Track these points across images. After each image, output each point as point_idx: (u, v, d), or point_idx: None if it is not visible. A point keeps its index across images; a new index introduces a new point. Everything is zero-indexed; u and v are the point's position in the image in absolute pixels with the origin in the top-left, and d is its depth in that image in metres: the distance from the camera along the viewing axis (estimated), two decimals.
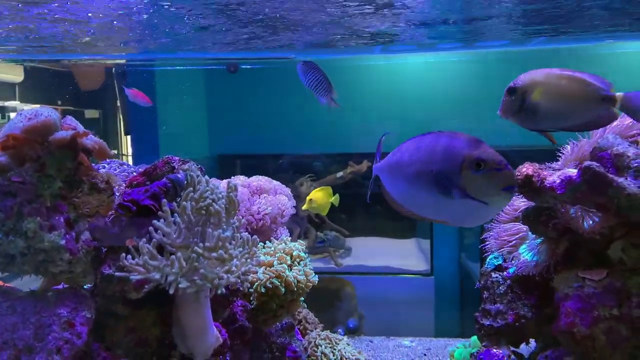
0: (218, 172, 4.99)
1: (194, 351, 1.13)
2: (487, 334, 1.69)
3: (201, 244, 1.00)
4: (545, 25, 2.86)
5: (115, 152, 5.58)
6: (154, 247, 1.01)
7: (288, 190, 1.68)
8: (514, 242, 1.79)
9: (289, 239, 1.78)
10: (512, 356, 1.63)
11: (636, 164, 1.38)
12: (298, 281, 1.31)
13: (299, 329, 2.14)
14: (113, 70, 5.20)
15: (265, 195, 1.54)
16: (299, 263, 1.34)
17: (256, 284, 1.26)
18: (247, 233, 1.15)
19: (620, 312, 1.40)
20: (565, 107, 1.34)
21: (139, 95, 3.66)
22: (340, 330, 2.63)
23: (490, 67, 4.14)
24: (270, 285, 1.24)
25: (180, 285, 0.97)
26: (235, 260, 1.07)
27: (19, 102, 6.22)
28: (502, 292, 1.72)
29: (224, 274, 1.03)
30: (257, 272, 1.27)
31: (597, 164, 1.42)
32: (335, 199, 2.70)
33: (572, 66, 1.41)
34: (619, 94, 1.32)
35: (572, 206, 1.52)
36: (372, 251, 4.37)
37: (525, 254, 1.71)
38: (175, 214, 1.05)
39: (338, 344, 1.98)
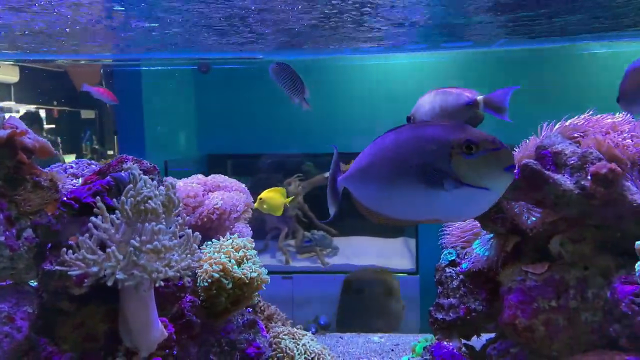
0: (207, 171, 5.04)
1: (138, 345, 1.17)
2: (440, 327, 1.75)
3: (138, 238, 1.05)
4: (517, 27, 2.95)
5: (112, 152, 5.63)
6: (96, 243, 1.06)
7: (244, 187, 1.73)
8: (467, 237, 1.84)
9: (250, 238, 1.84)
10: (463, 348, 1.68)
11: (572, 162, 1.44)
12: (249, 277, 1.36)
13: (264, 325, 2.19)
14: (101, 71, 5.25)
15: (221, 192, 1.59)
16: (247, 260, 1.38)
17: (199, 277, 1.31)
18: (189, 230, 1.20)
19: (559, 303, 1.46)
20: (442, 115, 1.47)
21: (104, 93, 3.69)
22: (312, 326, 2.69)
23: (466, 67, 4.24)
24: (211, 280, 1.29)
25: (117, 277, 1.02)
26: (175, 255, 1.12)
27: (14, 103, 6.26)
28: (455, 286, 1.77)
29: (162, 267, 1.08)
30: (202, 267, 1.32)
31: (535, 162, 1.48)
32: (288, 201, 2.66)
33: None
34: (479, 98, 1.43)
35: (516, 203, 1.58)
36: (359, 250, 4.42)
37: (478, 250, 1.76)
38: (117, 211, 1.10)
39: (302, 339, 2.02)
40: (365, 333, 2.63)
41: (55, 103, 6.34)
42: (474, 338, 1.79)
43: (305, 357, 1.92)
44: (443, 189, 1.12)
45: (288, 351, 1.93)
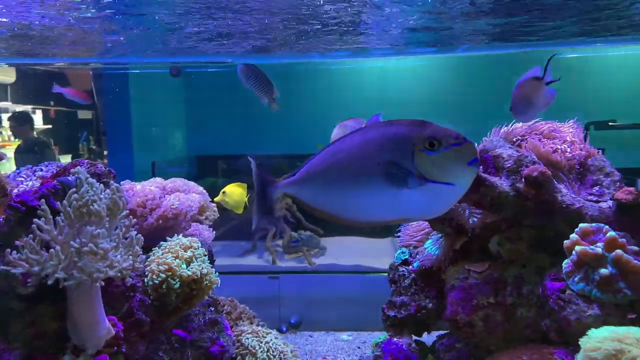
0: (196, 172, 5.12)
1: (85, 343, 1.23)
2: (392, 324, 1.81)
3: (78, 240, 1.11)
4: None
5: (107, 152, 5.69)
6: (39, 244, 1.12)
7: (202, 190, 1.79)
8: (420, 237, 1.91)
9: (195, 238, 1.90)
10: (413, 344, 1.75)
11: (508, 165, 1.51)
12: (199, 275, 1.41)
13: (229, 324, 2.25)
14: (91, 73, 5.32)
15: (177, 193, 1.65)
16: (196, 259, 1.44)
17: (147, 277, 1.37)
18: (135, 232, 1.26)
19: (497, 300, 1.52)
20: None
21: (76, 94, 3.75)
22: (283, 325, 2.75)
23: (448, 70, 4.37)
24: (159, 280, 1.35)
25: (57, 276, 1.08)
26: (118, 256, 1.19)
27: (10, 103, 6.30)
28: (407, 285, 1.84)
29: (104, 268, 1.14)
30: (150, 267, 1.38)
31: None
32: (248, 199, 2.66)
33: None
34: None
35: (459, 204, 1.65)
36: (346, 250, 4.48)
37: (429, 249, 1.83)
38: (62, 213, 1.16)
39: (266, 337, 2.09)
40: (335, 331, 2.70)
41: (52, 103, 6.37)
42: (426, 334, 1.85)
43: (267, 355, 1.99)
44: (407, 186, 1.11)
45: (250, 349, 2.00)
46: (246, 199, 2.62)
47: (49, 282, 1.09)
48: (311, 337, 2.64)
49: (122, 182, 1.60)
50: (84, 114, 6.52)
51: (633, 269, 1.27)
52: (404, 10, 2.35)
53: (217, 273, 1.53)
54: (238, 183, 2.60)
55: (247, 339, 2.04)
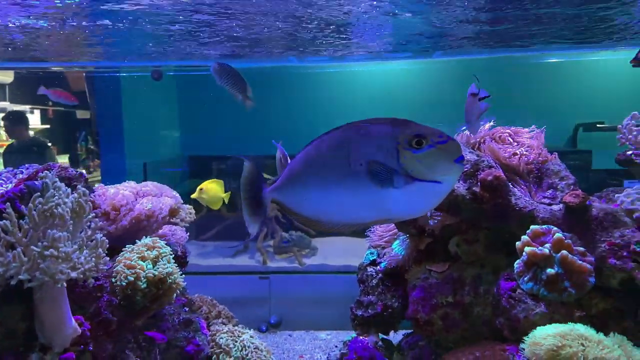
0: (189, 172, 5.18)
1: (52, 341, 1.28)
2: (359, 323, 1.86)
3: (40, 243, 1.16)
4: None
5: None
6: (5, 246, 1.17)
7: (174, 193, 1.84)
8: (388, 238, 1.96)
9: (157, 238, 1.95)
10: (379, 342, 1.80)
11: (466, 169, 1.56)
12: (165, 274, 1.46)
13: (207, 324, 2.31)
14: (84, 75, 5.38)
15: (149, 197, 1.70)
16: (162, 258, 1.49)
17: (115, 279, 1.42)
18: (100, 235, 1.31)
19: (455, 299, 1.58)
20: None
21: (62, 95, 3.80)
22: (263, 325, 2.80)
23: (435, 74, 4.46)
24: (126, 281, 1.40)
25: (20, 277, 1.13)
26: (82, 257, 1.24)
27: (9, 103, 6.34)
28: (374, 284, 1.89)
29: (67, 269, 1.19)
30: (116, 268, 1.43)
31: None
32: (226, 196, 2.64)
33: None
34: None
35: None
36: (337, 251, 4.53)
37: (397, 249, 1.88)
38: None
39: (241, 337, 2.14)
40: (314, 330, 2.75)
41: (50, 103, 6.40)
42: (396, 333, 1.91)
43: (241, 353, 2.04)
44: (393, 186, 1.10)
45: (224, 347, 2.05)
46: (224, 195, 2.63)
47: (12, 283, 1.14)
48: (290, 336, 2.69)
49: (96, 186, 1.65)
50: (82, 114, 6.55)
51: (577, 269, 1.33)
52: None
53: (182, 274, 1.57)
54: (215, 180, 2.61)
55: (222, 338, 2.09)
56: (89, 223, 1.32)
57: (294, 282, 4.10)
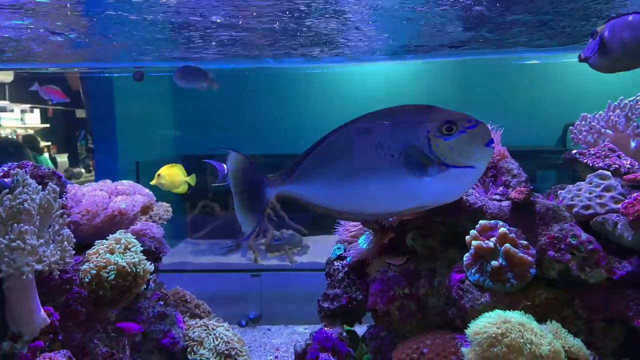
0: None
1: (22, 330, 1.36)
2: (325, 315, 1.94)
3: (7, 236, 1.24)
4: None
5: None
6: None
7: (147, 191, 1.92)
8: (355, 232, 2.03)
9: (124, 230, 2.02)
10: (344, 334, 1.87)
11: None
12: (132, 265, 1.54)
13: (184, 318, 2.38)
14: (78, 75, 5.46)
15: (123, 195, 1.78)
16: (130, 249, 1.57)
17: (81, 270, 1.50)
18: (67, 230, 1.39)
19: (411, 291, 1.65)
20: None
21: (52, 92, 3.89)
22: (242, 320, 2.88)
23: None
24: (92, 273, 1.47)
25: None
26: (48, 251, 1.32)
27: (8, 102, 6.42)
28: (340, 278, 1.96)
29: (32, 262, 1.27)
30: (88, 262, 1.51)
31: None
32: (191, 179, 2.62)
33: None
34: None
35: None
36: (328, 249, 4.61)
37: (362, 244, 1.96)
38: None
39: (215, 329, 2.22)
40: (292, 325, 2.83)
41: (50, 102, 6.47)
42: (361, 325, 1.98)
43: (214, 344, 2.12)
44: (427, 174, 1.10)
45: (198, 339, 2.13)
46: (186, 178, 2.62)
47: None
48: (269, 330, 2.77)
49: (68, 186, 1.72)
50: (81, 114, 6.62)
51: (519, 261, 1.40)
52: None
53: (151, 262, 1.64)
54: (173, 164, 2.60)
55: (196, 331, 2.17)
56: (57, 219, 1.39)
57: (284, 279, 4.18)
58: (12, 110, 6.72)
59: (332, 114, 4.64)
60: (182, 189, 2.56)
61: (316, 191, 1.24)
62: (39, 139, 5.33)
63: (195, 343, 2.12)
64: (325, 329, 1.88)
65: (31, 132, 6.69)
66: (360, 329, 1.96)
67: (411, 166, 1.10)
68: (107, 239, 1.58)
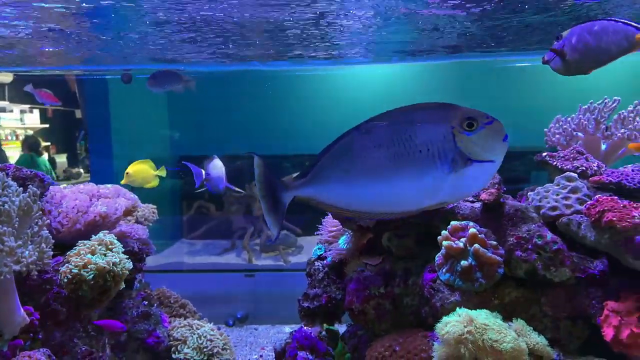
0: (178, 171, 5.32)
1: (2, 329, 1.39)
2: (305, 315, 1.97)
3: None
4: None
5: None
6: None
7: (131, 195, 1.95)
8: (335, 233, 2.07)
9: (106, 231, 2.06)
10: (323, 332, 1.91)
11: None
12: (111, 265, 1.57)
13: (169, 318, 2.42)
14: (74, 77, 5.50)
15: (104, 198, 1.81)
16: (112, 250, 1.60)
17: (61, 271, 1.53)
18: (46, 231, 1.42)
19: (386, 290, 1.69)
20: None
21: (44, 96, 3.93)
22: (229, 319, 2.91)
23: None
24: (71, 274, 1.51)
25: None
26: (26, 252, 1.35)
27: (8, 103, 6.45)
28: (320, 278, 2.00)
29: (10, 263, 1.30)
30: (68, 263, 1.54)
31: None
32: (161, 171, 2.61)
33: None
34: None
35: None
36: None
37: (342, 244, 1.99)
38: None
39: (199, 329, 2.26)
40: (279, 324, 2.86)
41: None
42: (341, 324, 2.01)
43: (198, 343, 2.16)
44: (453, 170, 1.12)
45: (182, 338, 2.17)
46: (156, 172, 2.64)
47: None
48: (256, 330, 2.80)
49: (50, 188, 1.76)
50: (80, 113, 6.65)
51: (488, 261, 1.44)
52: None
53: (131, 261, 1.66)
54: (140, 160, 2.61)
55: (179, 331, 2.21)
56: (36, 220, 1.43)
57: (279, 279, 4.22)
58: (11, 111, 6.76)
59: (328, 115, 4.70)
60: (154, 183, 2.58)
61: (335, 192, 1.25)
62: (39, 139, 5.35)
63: (179, 342, 2.16)
64: (305, 328, 1.91)
65: (30, 132, 6.73)
66: (343, 328, 2.00)
67: (440, 162, 1.13)
68: (89, 240, 1.61)
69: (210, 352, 2.14)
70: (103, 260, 1.56)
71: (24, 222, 1.39)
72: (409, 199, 1.19)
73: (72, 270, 1.49)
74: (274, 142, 4.74)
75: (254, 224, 4.92)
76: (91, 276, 1.53)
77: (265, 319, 3.22)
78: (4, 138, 6.74)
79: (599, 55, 1.27)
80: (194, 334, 2.19)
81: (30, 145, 5.11)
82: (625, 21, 1.24)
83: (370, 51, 3.52)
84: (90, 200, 1.78)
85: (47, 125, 7.10)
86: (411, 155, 1.14)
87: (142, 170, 2.53)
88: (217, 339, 2.19)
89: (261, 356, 2.47)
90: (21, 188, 1.44)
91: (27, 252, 1.35)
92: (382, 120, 1.17)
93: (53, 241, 1.42)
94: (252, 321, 3.13)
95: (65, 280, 1.51)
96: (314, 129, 4.72)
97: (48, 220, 1.46)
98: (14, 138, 6.84)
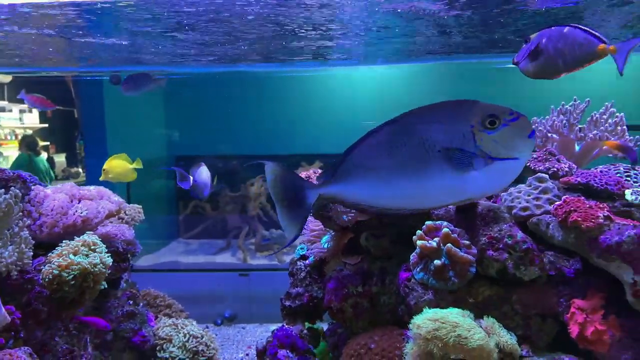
0: (174, 172, 5.34)
1: None
2: (287, 314, 2.00)
3: None
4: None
5: None
6: None
7: (115, 198, 1.97)
8: (318, 233, 2.09)
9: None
10: (305, 331, 1.93)
11: None
12: (93, 265, 1.59)
13: (156, 317, 2.45)
14: (69, 78, 5.52)
15: (86, 200, 1.83)
16: (94, 251, 1.62)
17: (44, 271, 1.56)
18: (26, 232, 1.45)
19: (364, 289, 1.71)
20: None
21: (38, 101, 3.96)
22: (218, 318, 2.94)
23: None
24: (56, 273, 1.53)
25: None
26: (6, 252, 1.38)
27: (7, 102, 6.47)
28: (302, 277, 2.02)
29: None
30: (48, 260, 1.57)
31: None
32: (137, 163, 2.63)
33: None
34: None
35: (334, 205, 1.83)
36: None
37: (324, 244, 2.02)
38: None
39: (184, 328, 2.28)
40: (267, 323, 2.89)
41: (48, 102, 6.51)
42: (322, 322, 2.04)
43: (183, 341, 2.19)
44: (473, 168, 1.13)
45: (167, 337, 2.20)
46: (133, 165, 2.65)
47: None
48: (243, 328, 2.83)
49: (33, 188, 1.78)
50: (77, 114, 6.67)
51: (460, 260, 1.46)
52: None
53: (111, 261, 1.68)
54: (115, 155, 2.61)
55: (165, 330, 2.24)
56: (17, 221, 1.46)
57: (273, 278, 4.24)
58: (10, 110, 6.79)
59: (325, 115, 4.75)
60: (132, 176, 2.60)
61: (360, 190, 1.28)
62: (37, 139, 5.37)
63: (164, 341, 2.18)
64: (287, 326, 1.94)
65: (29, 132, 6.76)
66: (326, 326, 2.02)
67: (457, 162, 1.14)
68: (73, 241, 1.63)
69: (196, 350, 2.16)
70: (85, 260, 1.58)
71: (4, 222, 1.42)
72: (433, 196, 1.23)
73: (54, 271, 1.51)
74: (271, 143, 4.78)
75: (249, 223, 4.94)
76: (71, 277, 1.55)
77: (258, 318, 3.25)
78: (3, 138, 6.77)
79: (568, 60, 1.30)
80: (180, 333, 2.22)
81: (28, 144, 5.14)
82: (590, 30, 1.27)
83: (362, 53, 3.55)
84: (72, 201, 1.80)
85: (46, 125, 7.12)
86: (432, 154, 1.15)
87: (119, 165, 2.56)
88: (204, 337, 2.22)
89: (247, 355, 2.50)
90: (2, 190, 1.47)
91: (6, 253, 1.38)
92: (404, 119, 1.19)
93: (33, 242, 1.44)
94: (242, 320, 3.17)
95: (47, 280, 1.54)
96: (310, 129, 4.77)
97: (29, 222, 1.49)
98: (14, 138, 6.87)
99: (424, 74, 4.56)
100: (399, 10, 2.30)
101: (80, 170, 7.00)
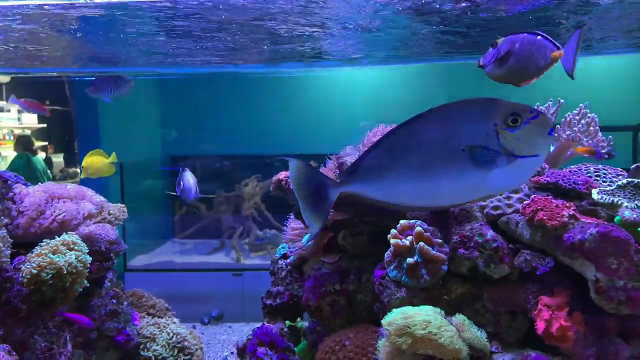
0: (169, 172, 5.36)
1: None
2: (268, 312, 2.02)
3: None
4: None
5: None
6: None
7: (97, 199, 1.99)
8: (299, 232, 2.11)
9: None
10: (285, 329, 1.95)
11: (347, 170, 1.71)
12: (68, 265, 1.60)
13: (139, 315, 2.46)
14: (65, 78, 5.53)
15: (64, 200, 1.84)
16: (74, 250, 1.64)
17: (23, 270, 1.58)
18: (4, 231, 1.47)
19: (341, 287, 1.73)
20: None
21: (30, 105, 3.97)
22: (205, 318, 2.96)
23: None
24: (34, 273, 1.55)
25: None
26: None
27: (5, 102, 6.47)
28: (283, 276, 2.05)
29: None
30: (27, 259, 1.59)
31: (326, 168, 1.77)
32: (113, 157, 2.69)
33: None
34: None
35: None
36: None
37: (305, 243, 2.04)
38: None
39: (167, 327, 2.30)
40: (253, 322, 2.91)
41: (47, 102, 6.53)
42: (303, 320, 2.06)
43: (167, 340, 2.21)
44: (496, 166, 1.15)
45: (150, 336, 2.21)
46: (109, 159, 2.69)
47: None
48: (230, 327, 2.85)
49: (14, 186, 1.80)
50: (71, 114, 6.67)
51: (432, 258, 1.48)
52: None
53: (89, 258, 1.69)
54: (91, 152, 2.64)
55: (148, 329, 2.25)
56: None
57: (267, 278, 4.24)
58: (9, 111, 6.79)
59: (319, 116, 4.77)
60: (111, 171, 2.65)
61: (382, 188, 1.29)
62: (33, 139, 5.38)
63: (148, 340, 2.20)
64: (267, 324, 1.96)
65: (28, 132, 6.76)
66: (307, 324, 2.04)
67: (481, 161, 1.16)
68: (53, 240, 1.65)
69: (180, 348, 2.18)
70: (62, 259, 1.60)
71: None
72: (455, 194, 1.24)
73: (32, 271, 1.53)
74: (268, 143, 4.80)
75: (242, 223, 4.96)
76: (49, 276, 1.57)
77: (250, 317, 3.27)
78: (1, 138, 6.78)
79: (532, 67, 1.32)
80: (163, 332, 2.24)
81: (24, 144, 5.15)
82: (546, 36, 1.28)
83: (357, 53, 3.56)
84: (52, 200, 1.81)
85: (44, 125, 7.12)
86: (455, 153, 1.17)
87: (96, 161, 2.60)
88: (187, 336, 2.24)
89: (232, 353, 2.52)
90: None
91: None
92: (427, 117, 1.21)
93: (12, 241, 1.46)
94: (230, 319, 3.18)
95: (26, 280, 1.56)
96: (307, 129, 4.79)
97: (6, 220, 1.50)
98: (12, 138, 6.88)
99: (422, 75, 4.58)
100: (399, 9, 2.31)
101: (78, 170, 7.01)
